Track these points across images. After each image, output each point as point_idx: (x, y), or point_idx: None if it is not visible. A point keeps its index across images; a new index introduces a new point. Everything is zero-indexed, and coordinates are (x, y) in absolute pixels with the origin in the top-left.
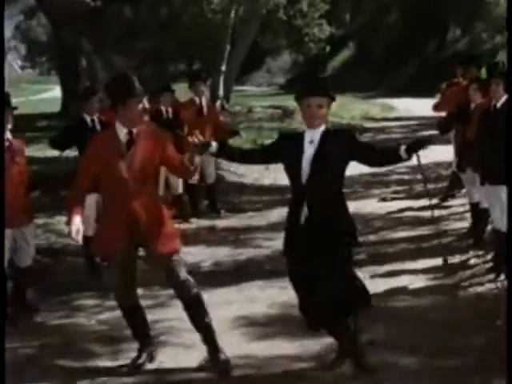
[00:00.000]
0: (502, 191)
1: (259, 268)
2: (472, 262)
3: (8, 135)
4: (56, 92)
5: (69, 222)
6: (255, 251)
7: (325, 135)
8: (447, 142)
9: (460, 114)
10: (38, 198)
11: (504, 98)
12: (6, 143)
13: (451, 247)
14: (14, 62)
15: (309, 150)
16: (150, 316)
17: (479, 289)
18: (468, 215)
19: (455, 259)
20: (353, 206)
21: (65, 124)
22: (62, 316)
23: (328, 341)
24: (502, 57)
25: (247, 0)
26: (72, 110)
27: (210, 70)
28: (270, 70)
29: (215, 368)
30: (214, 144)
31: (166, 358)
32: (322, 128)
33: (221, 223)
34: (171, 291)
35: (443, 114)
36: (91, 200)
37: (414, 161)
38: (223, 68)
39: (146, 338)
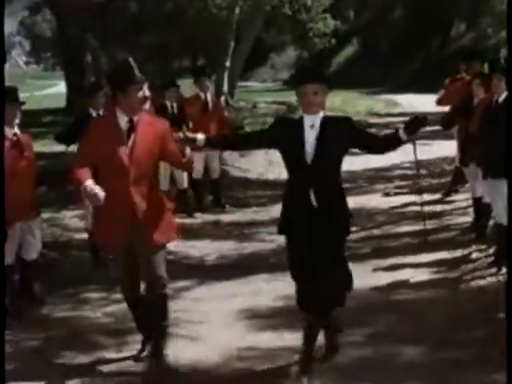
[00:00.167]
0: (504, 185)
1: (263, 261)
2: (474, 255)
3: (16, 130)
4: (60, 87)
5: (79, 185)
6: (260, 245)
7: (325, 121)
8: (451, 138)
9: (463, 108)
10: (44, 193)
11: (506, 93)
12: (14, 138)
13: (454, 241)
14: (18, 57)
15: (311, 134)
16: None
17: (481, 282)
18: (471, 210)
19: (458, 253)
20: (357, 201)
21: (70, 119)
22: (68, 309)
23: None
24: (506, 52)
25: None
26: (77, 106)
27: (215, 66)
28: (274, 65)
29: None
30: (200, 137)
31: (171, 350)
32: (321, 114)
33: (225, 218)
34: (176, 283)
35: (446, 108)
36: None
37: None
38: (228, 64)
39: (150, 331)
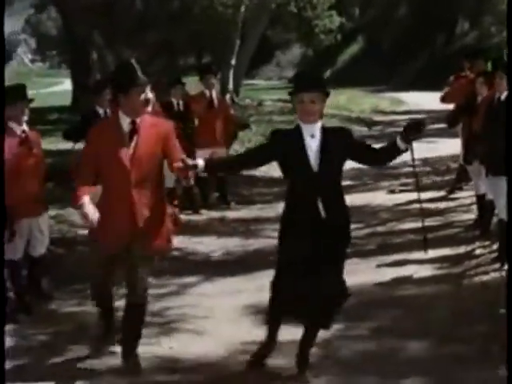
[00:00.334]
0: (506, 182)
1: (268, 258)
2: (478, 252)
3: (24, 127)
4: (66, 85)
5: (79, 206)
6: (265, 241)
7: (324, 131)
8: (456, 136)
9: (467, 107)
10: (50, 190)
11: (507, 92)
12: (23, 135)
13: (458, 238)
14: (24, 55)
15: (313, 143)
16: (163, 304)
17: (484, 278)
18: (475, 207)
19: (461, 249)
20: (362, 198)
21: (76, 117)
22: (76, 304)
23: (336, 327)
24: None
25: None
26: (83, 104)
27: (220, 64)
28: (279, 63)
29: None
30: (200, 163)
31: (177, 344)
32: (320, 124)
33: (231, 214)
34: (183, 279)
35: (451, 106)
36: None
37: (418, 153)
38: (233, 61)
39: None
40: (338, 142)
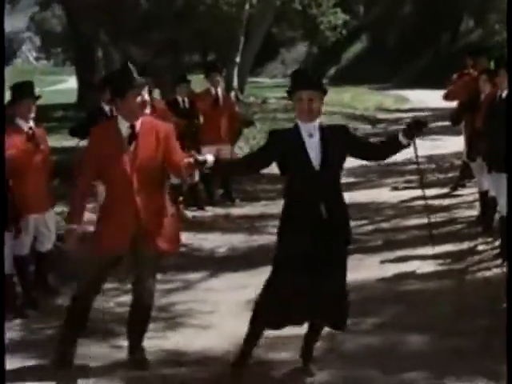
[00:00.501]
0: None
1: (272, 254)
2: (480, 248)
3: (31, 124)
4: (70, 83)
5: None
6: (269, 238)
7: (322, 129)
8: (460, 133)
9: (470, 104)
10: (56, 187)
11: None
12: (30, 131)
13: (461, 234)
14: (28, 53)
15: (312, 142)
16: (169, 299)
17: (487, 273)
18: (478, 203)
19: (464, 245)
20: (367, 195)
21: (81, 114)
22: None
23: None
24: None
25: None
26: (88, 101)
27: (225, 62)
28: (284, 61)
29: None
30: (210, 159)
31: (183, 338)
32: (317, 122)
33: (236, 211)
34: (188, 275)
35: (454, 103)
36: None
37: (422, 151)
38: (238, 59)
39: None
40: (336, 140)
